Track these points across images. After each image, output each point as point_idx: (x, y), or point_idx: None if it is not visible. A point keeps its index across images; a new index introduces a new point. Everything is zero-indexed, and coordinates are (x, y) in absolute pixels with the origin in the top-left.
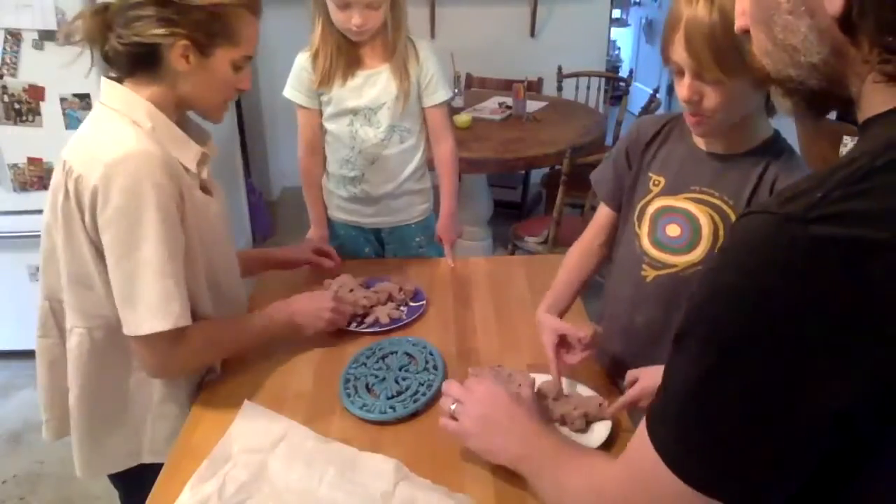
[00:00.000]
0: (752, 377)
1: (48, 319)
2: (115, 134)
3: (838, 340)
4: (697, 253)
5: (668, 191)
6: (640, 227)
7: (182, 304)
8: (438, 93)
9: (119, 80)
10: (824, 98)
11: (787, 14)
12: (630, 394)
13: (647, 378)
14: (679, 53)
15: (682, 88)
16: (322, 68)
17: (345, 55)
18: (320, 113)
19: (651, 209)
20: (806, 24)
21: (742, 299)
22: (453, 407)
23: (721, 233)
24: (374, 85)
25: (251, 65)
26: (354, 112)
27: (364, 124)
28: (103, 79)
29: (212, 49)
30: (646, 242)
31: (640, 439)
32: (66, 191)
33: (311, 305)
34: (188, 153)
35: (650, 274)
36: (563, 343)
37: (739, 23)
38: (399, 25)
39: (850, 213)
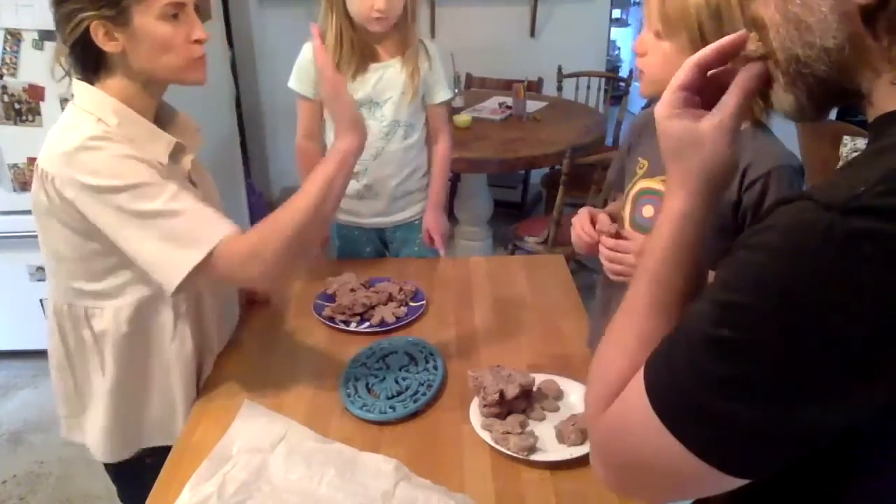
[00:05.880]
0: (763, 364)
1: (62, 320)
2: (76, 127)
3: (864, 334)
4: None
5: (650, 173)
6: (624, 209)
7: (221, 214)
8: (443, 91)
9: (90, 81)
10: (828, 90)
11: None
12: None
13: None
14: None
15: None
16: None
17: (359, 51)
18: (321, 104)
19: (633, 191)
20: (828, 4)
21: (767, 282)
22: None
23: None
24: (382, 78)
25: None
26: (360, 104)
27: (368, 117)
28: (75, 80)
29: (126, 16)
30: (627, 224)
31: (637, 379)
32: (46, 193)
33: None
34: (159, 145)
35: None
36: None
37: None
38: (415, 17)
39: (891, 209)
